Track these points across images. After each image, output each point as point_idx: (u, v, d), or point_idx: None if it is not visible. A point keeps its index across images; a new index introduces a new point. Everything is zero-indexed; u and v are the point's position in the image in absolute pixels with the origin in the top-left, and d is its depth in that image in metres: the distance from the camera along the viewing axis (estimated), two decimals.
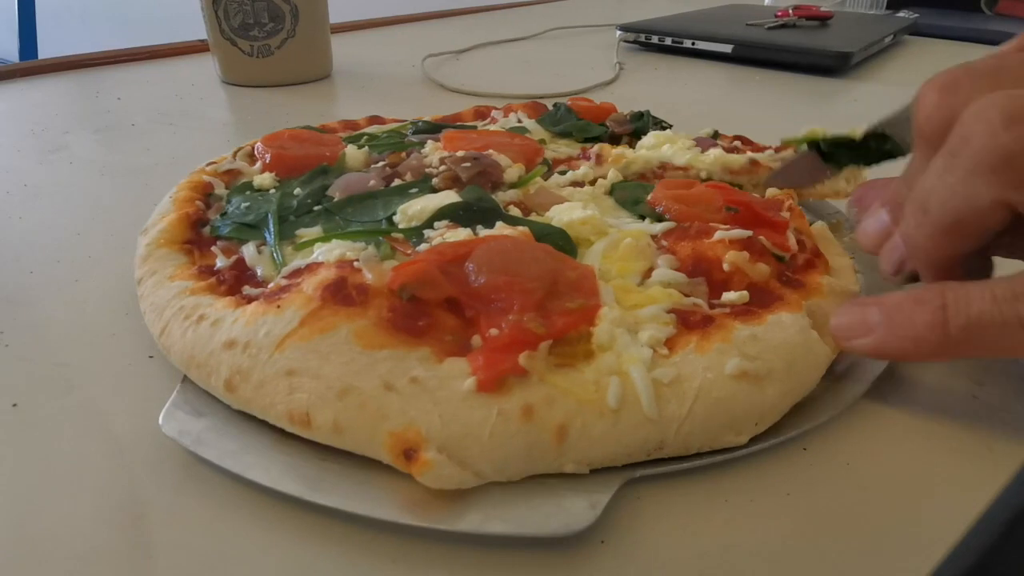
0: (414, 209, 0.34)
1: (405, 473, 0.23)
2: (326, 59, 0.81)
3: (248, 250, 0.33)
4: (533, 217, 0.36)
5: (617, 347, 0.25)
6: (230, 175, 0.43)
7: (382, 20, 1.15)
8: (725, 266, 0.30)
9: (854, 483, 0.25)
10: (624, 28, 0.97)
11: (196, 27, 0.77)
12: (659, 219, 0.36)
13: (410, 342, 0.25)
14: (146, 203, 0.39)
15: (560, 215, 0.34)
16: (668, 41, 0.93)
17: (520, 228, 0.32)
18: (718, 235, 0.31)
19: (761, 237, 0.32)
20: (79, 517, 0.23)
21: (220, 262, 0.33)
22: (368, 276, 0.28)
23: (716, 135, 0.50)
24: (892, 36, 0.99)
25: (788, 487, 0.24)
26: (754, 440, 0.25)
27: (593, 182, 0.41)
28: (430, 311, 0.26)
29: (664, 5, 1.26)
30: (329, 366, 0.24)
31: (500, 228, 0.32)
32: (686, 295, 0.30)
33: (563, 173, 0.42)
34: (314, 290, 0.27)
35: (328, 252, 0.31)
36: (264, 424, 0.25)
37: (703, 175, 0.42)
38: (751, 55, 0.87)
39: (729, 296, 0.29)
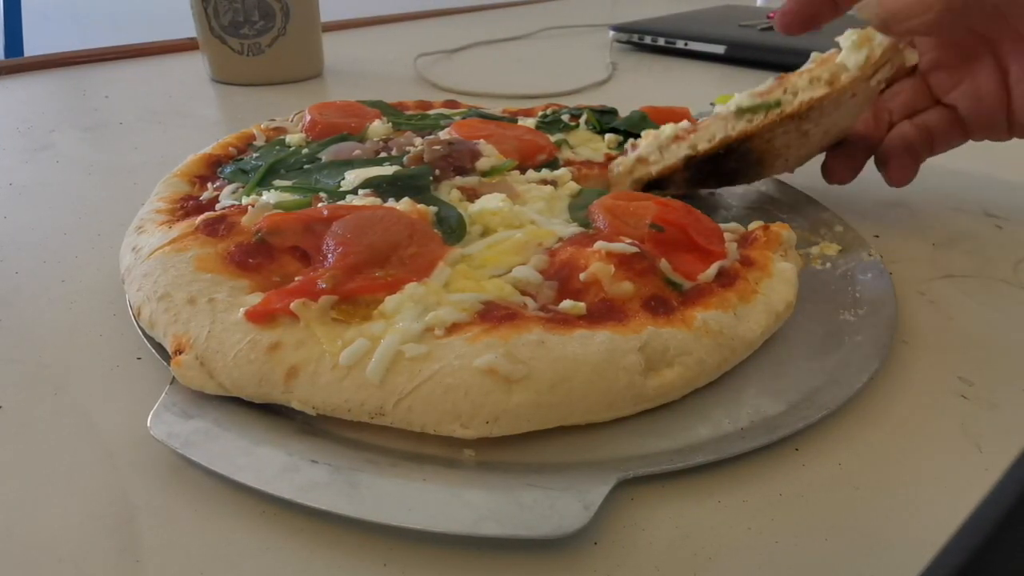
0: (351, 176, 0.38)
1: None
2: (317, 58, 0.80)
3: (228, 189, 0.39)
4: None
5: (396, 318, 0.27)
6: (276, 131, 0.49)
7: (374, 19, 1.14)
8: (581, 276, 0.29)
9: (846, 483, 0.25)
10: (617, 28, 0.98)
11: (186, 25, 0.77)
12: (587, 226, 0.35)
13: (236, 273, 0.29)
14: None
15: (483, 204, 0.36)
16: (661, 42, 0.93)
17: (421, 207, 0.34)
18: (597, 245, 0.30)
19: (664, 261, 0.30)
20: (67, 520, 0.23)
21: (205, 195, 0.39)
22: (243, 219, 0.32)
23: None
24: None
25: (780, 487, 0.24)
26: (746, 441, 0.25)
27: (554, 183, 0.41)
28: (276, 254, 0.31)
29: (657, 6, 1.26)
30: (165, 276, 0.29)
31: (404, 203, 0.34)
32: (526, 294, 0.29)
33: (552, 169, 0.43)
34: (200, 221, 0.32)
35: (264, 198, 0.36)
36: (254, 426, 0.25)
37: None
38: (744, 56, 0.87)
39: (565, 304, 0.28)
